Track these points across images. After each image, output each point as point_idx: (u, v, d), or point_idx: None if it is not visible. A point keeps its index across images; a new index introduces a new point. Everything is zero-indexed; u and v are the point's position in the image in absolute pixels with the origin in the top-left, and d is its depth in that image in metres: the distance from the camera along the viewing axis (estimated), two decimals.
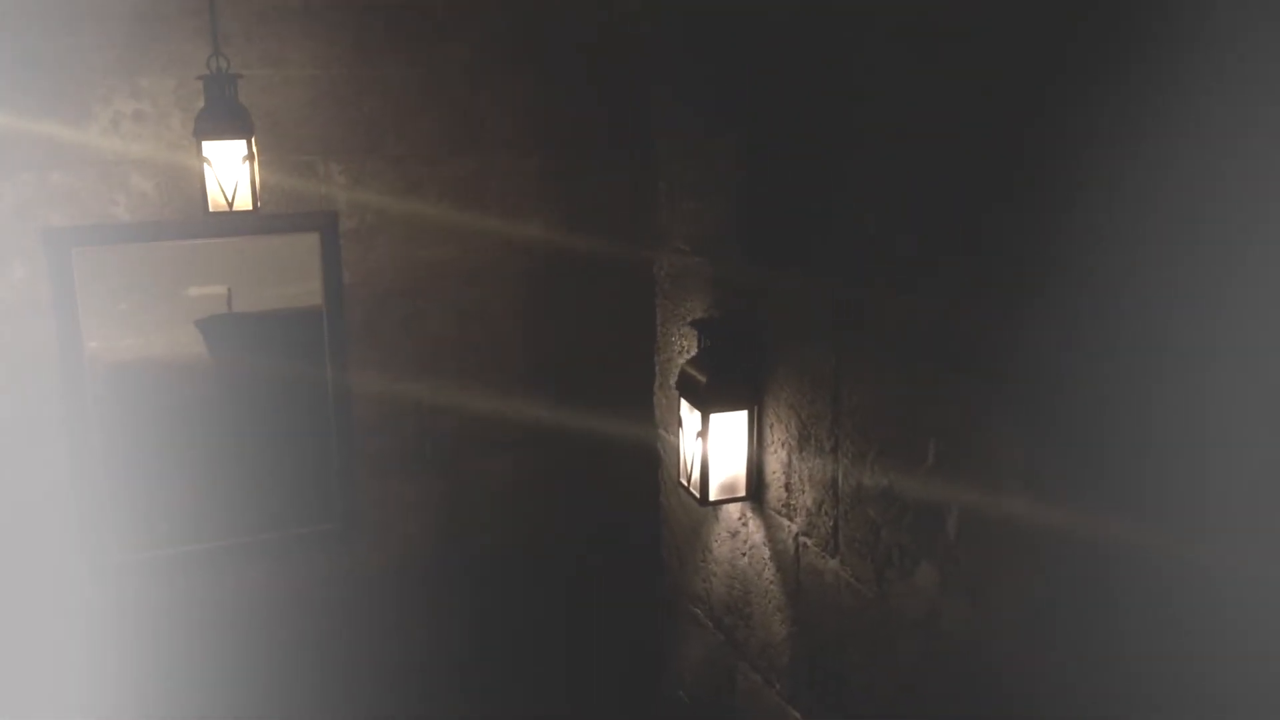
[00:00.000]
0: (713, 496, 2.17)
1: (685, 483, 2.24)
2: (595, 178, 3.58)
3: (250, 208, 2.80)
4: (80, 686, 3.31)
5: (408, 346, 3.49)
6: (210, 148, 2.74)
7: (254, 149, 2.77)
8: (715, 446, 2.13)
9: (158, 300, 3.01)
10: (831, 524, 1.94)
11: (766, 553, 2.17)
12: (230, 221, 3.14)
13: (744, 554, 2.27)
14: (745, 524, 2.24)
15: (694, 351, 2.29)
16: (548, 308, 3.64)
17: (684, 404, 2.19)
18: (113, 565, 3.26)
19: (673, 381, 2.32)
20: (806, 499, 2.01)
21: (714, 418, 2.12)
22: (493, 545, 3.72)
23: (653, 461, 2.72)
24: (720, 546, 2.37)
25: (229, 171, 2.72)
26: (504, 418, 3.64)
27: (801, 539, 2.05)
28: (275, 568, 3.45)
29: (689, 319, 2.35)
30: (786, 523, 2.09)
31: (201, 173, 2.94)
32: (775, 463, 2.10)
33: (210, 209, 2.77)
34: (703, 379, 2.14)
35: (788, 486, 2.08)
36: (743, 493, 2.18)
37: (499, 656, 3.79)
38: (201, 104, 2.84)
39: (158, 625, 3.35)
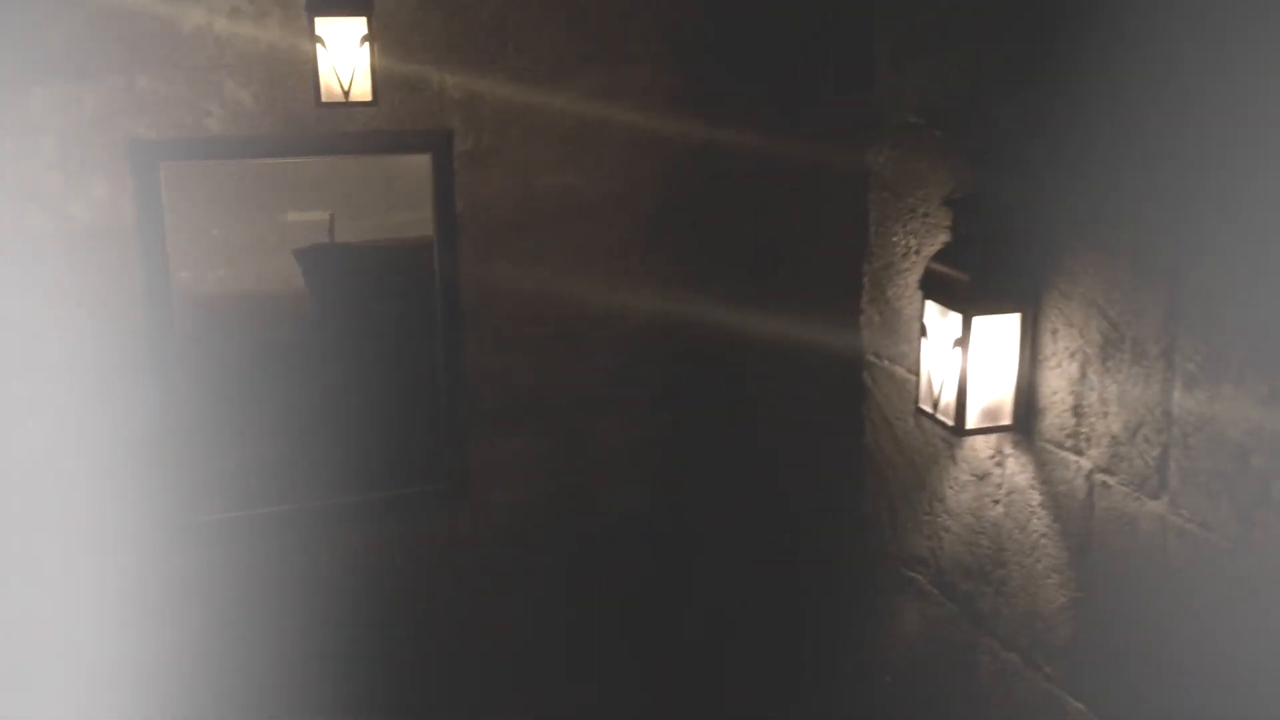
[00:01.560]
0: (971, 424, 1.73)
1: (928, 408, 1.81)
2: (752, 89, 3.15)
3: (368, 99, 2.41)
4: (165, 654, 2.92)
5: (524, 286, 3.09)
6: (324, 26, 2.34)
7: (373, 30, 2.37)
8: (977, 359, 1.69)
9: (252, 226, 2.61)
10: (1156, 455, 1.50)
11: (1036, 498, 1.74)
12: (334, 139, 2.77)
13: (997, 501, 1.83)
14: (1001, 463, 1.81)
15: (927, 250, 1.86)
16: (686, 243, 3.21)
17: (931, 308, 1.76)
18: (199, 525, 2.88)
19: (912, 282, 1.89)
20: (1110, 425, 1.57)
21: (978, 323, 1.68)
22: (621, 510, 3.30)
23: (846, 398, 2.29)
24: (958, 494, 1.93)
25: (345, 55, 2.32)
26: (636, 368, 3.22)
27: (1099, 477, 1.61)
28: (373, 532, 3.05)
29: (926, 209, 1.91)
30: (1073, 458, 1.65)
31: (306, 73, 2.56)
32: (1057, 381, 1.67)
33: (323, 98, 2.39)
34: (963, 275, 1.71)
35: (1077, 410, 1.64)
36: (1007, 420, 1.75)
37: (634, 639, 3.36)
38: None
39: (245, 592, 2.97)
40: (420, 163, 2.96)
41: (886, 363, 2.03)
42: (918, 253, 1.95)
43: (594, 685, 3.39)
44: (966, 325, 1.69)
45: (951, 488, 1.94)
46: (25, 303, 2.66)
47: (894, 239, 2.03)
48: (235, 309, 2.71)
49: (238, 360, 2.79)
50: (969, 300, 1.68)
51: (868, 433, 2.20)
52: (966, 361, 1.69)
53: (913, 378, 1.98)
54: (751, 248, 3.22)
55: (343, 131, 2.86)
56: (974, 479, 1.89)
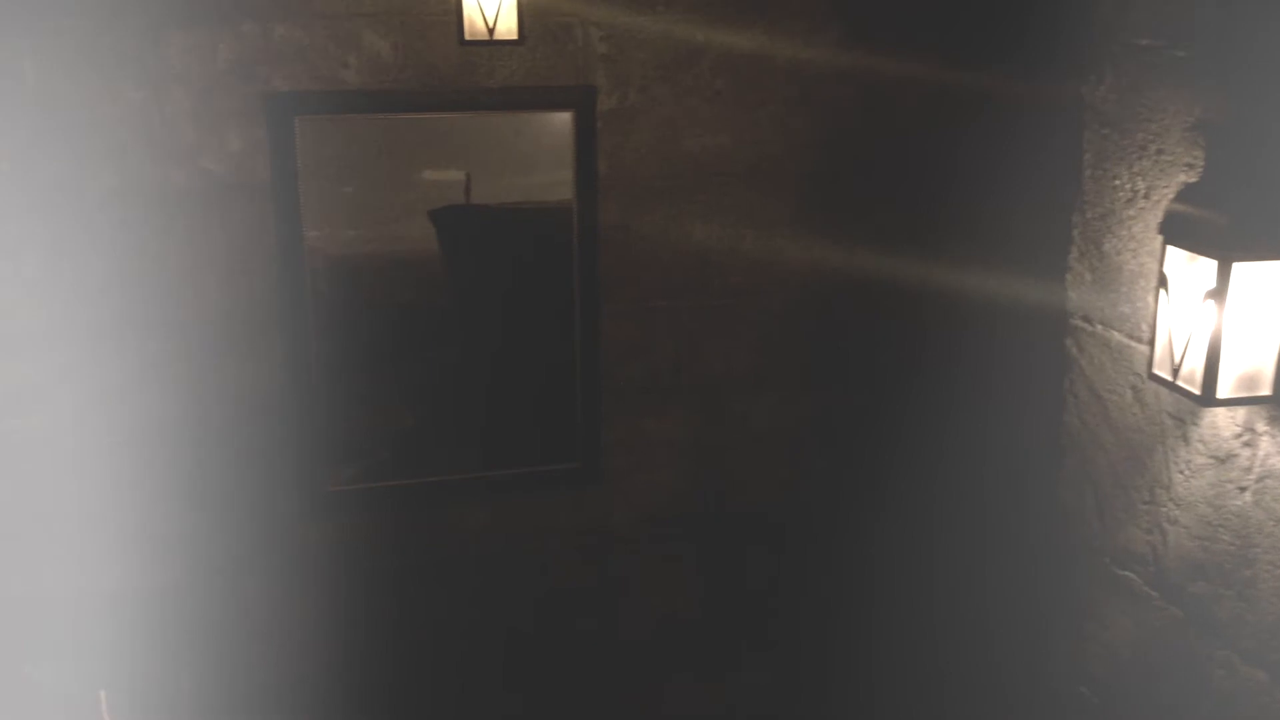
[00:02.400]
0: (1224, 393, 1.44)
1: (1164, 374, 1.52)
2: (927, 26, 2.89)
3: (514, 37, 2.24)
4: (284, 625, 2.81)
5: (667, 255, 2.88)
6: None
7: None
8: (1234, 315, 1.41)
9: (386, 185, 2.46)
10: None
11: None
12: (473, 95, 2.63)
13: (1244, 489, 1.54)
14: (1251, 443, 1.51)
15: (1159, 194, 1.57)
16: (848, 205, 2.96)
17: (1176, 256, 1.48)
18: (325, 496, 2.75)
19: (1136, 232, 1.60)
20: None
21: (1239, 271, 1.39)
22: (769, 497, 3.07)
23: (1042, 370, 2.01)
24: (1190, 480, 1.64)
25: None
26: (789, 343, 2.99)
27: None
28: (500, 509, 2.89)
29: (1160, 144, 1.62)
30: None
31: (446, 25, 2.43)
32: None
33: (466, 36, 2.23)
34: (1219, 215, 1.42)
35: None
36: (1266, 390, 1.45)
37: (773, 638, 3.13)
38: None
39: (368, 566, 2.83)
40: (562, 122, 2.78)
41: (1099, 328, 1.75)
42: (1146, 197, 1.66)
43: (723, 685, 3.16)
44: (1224, 273, 1.40)
45: (1182, 473, 1.65)
46: (157, 259, 2.57)
47: (1115, 182, 1.75)
48: (366, 271, 2.57)
49: (368, 325, 2.65)
50: (1227, 244, 1.40)
51: (1070, 409, 1.92)
52: (1221, 317, 1.41)
53: (1133, 344, 1.70)
54: (926, 207, 2.95)
55: (482, 87, 2.70)
56: (1213, 462, 1.60)
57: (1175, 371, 1.52)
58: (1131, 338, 1.75)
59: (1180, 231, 1.50)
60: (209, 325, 2.64)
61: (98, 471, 2.61)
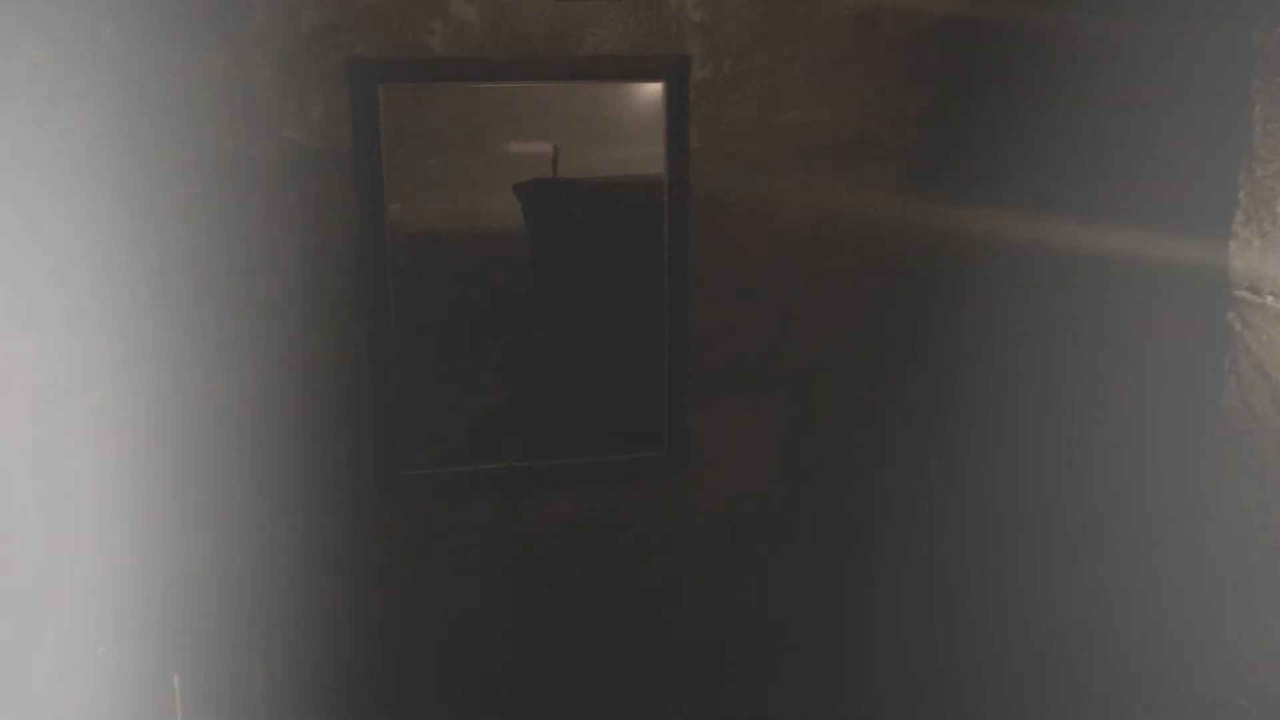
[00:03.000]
0: None
1: None
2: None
3: None
4: (364, 622, 2.72)
5: (759, 236, 2.73)
6: None
7: None
8: None
9: (471, 157, 2.34)
10: None
11: None
12: (561, 63, 2.51)
13: None
14: None
15: None
16: (962, 180, 2.79)
17: None
18: (401, 480, 2.66)
19: None
20: None
21: None
22: (863, 495, 2.92)
23: (1193, 348, 1.83)
24: None
25: None
26: (888, 330, 2.83)
27: None
28: (580, 498, 2.77)
29: None
30: None
31: None
32: None
33: None
34: None
35: None
36: None
37: (863, 650, 2.98)
38: None
39: (444, 555, 2.73)
40: (653, 93, 2.64)
41: (1269, 299, 1.57)
42: None
43: (803, 684, 3.02)
44: None
45: None
46: (236, 233, 2.48)
47: None
48: (449, 247, 2.45)
49: (449, 304, 2.54)
50: None
51: (1231, 392, 1.75)
52: None
53: None
54: (1053, 179, 2.77)
55: (571, 56, 2.58)
56: None
57: None
58: None
59: None
60: (287, 303, 2.54)
61: (171, 451, 2.54)
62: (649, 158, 2.68)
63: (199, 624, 2.62)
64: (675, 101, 2.66)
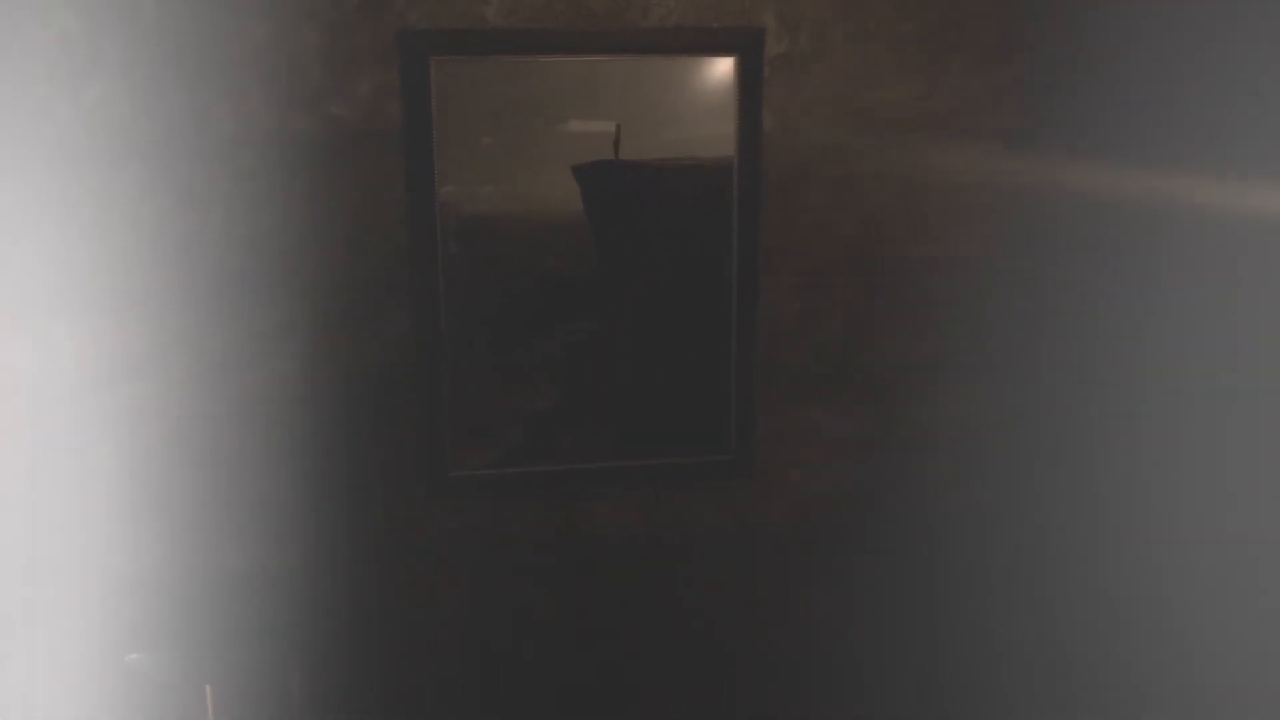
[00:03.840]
0: None
1: None
2: None
3: None
4: (409, 628, 2.55)
5: (837, 222, 2.52)
6: None
7: None
8: None
9: (527, 136, 2.16)
10: None
11: None
12: (626, 36, 2.33)
13: None
14: None
15: None
16: (1054, 173, 2.55)
17: None
18: (448, 481, 2.48)
19: None
20: None
21: None
22: (953, 507, 2.69)
23: None
24: None
25: None
26: (980, 325, 2.60)
27: None
28: (641, 503, 2.57)
29: None
30: None
31: None
32: None
33: None
34: None
35: None
36: None
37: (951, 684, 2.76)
38: None
39: (494, 562, 2.54)
40: (724, 68, 2.45)
41: None
42: None
43: (886, 707, 2.79)
44: None
45: None
46: (279, 214, 2.33)
47: None
48: (503, 232, 2.27)
49: (503, 293, 2.36)
50: None
51: None
52: None
53: None
54: (1170, 145, 2.53)
55: (636, 28, 2.39)
56: None
57: None
58: None
59: None
60: (331, 290, 2.38)
61: (208, 445, 2.39)
62: (718, 139, 2.48)
63: (233, 629, 2.47)
64: (747, 78, 2.46)
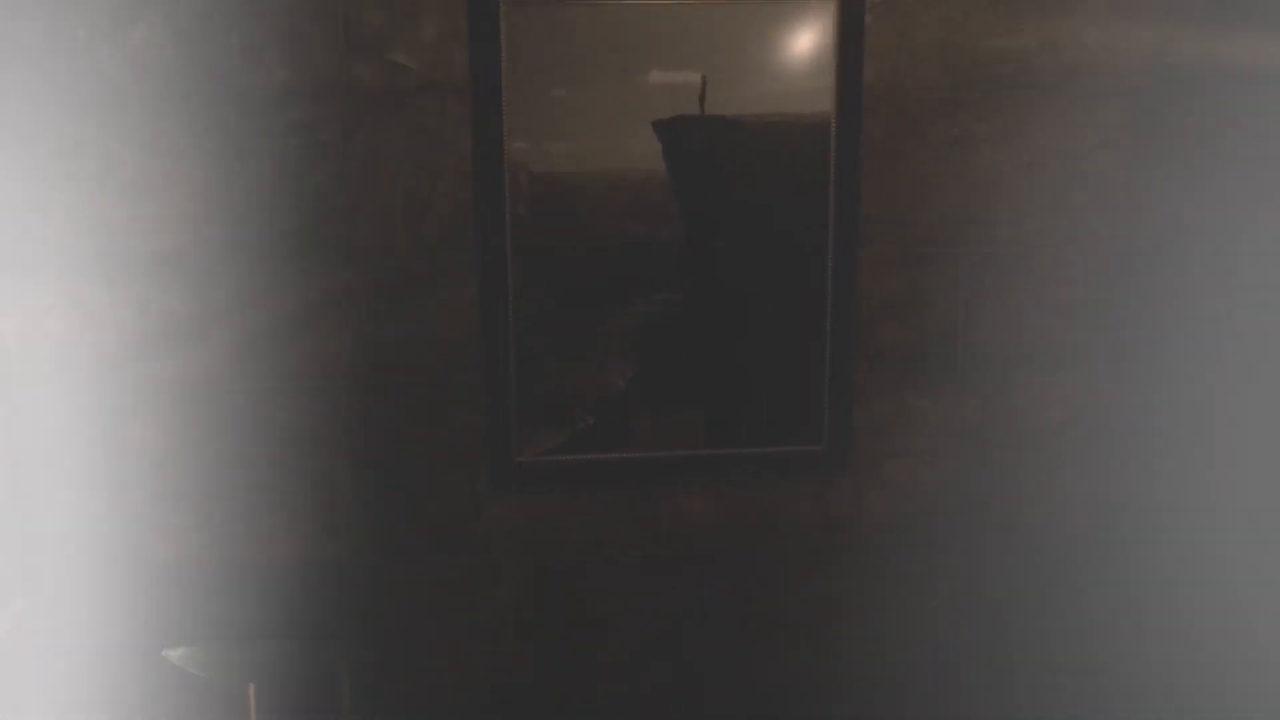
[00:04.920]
0: None
1: None
2: None
3: None
4: (467, 628, 2.33)
5: (945, 188, 2.26)
6: None
7: None
8: None
9: (604, 88, 1.93)
10: None
11: None
12: None
13: None
14: None
15: None
16: (1194, 124, 2.27)
17: None
18: (515, 469, 2.26)
19: None
20: None
21: None
22: (1047, 507, 2.41)
23: None
24: None
25: None
26: (1107, 305, 2.32)
27: None
28: (727, 498, 2.32)
29: None
30: None
31: None
32: None
33: None
34: None
35: None
36: None
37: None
38: None
39: (563, 558, 2.31)
40: (822, 14, 2.20)
41: None
42: None
43: None
44: None
45: None
46: (334, 171, 2.12)
47: None
48: (577, 193, 2.05)
49: (576, 261, 2.13)
50: None
51: None
52: None
53: None
54: None
55: None
56: None
57: None
58: None
59: None
60: (390, 255, 2.17)
61: (252, 424, 2.19)
62: (814, 93, 2.24)
63: (279, 624, 2.27)
64: (848, 25, 2.21)
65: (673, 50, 2.21)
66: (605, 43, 2.18)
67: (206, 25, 2.06)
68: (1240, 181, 2.29)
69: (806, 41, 2.24)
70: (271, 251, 2.16)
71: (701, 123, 2.22)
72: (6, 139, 2.05)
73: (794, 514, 2.37)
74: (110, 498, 2.21)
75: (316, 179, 2.14)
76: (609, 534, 2.34)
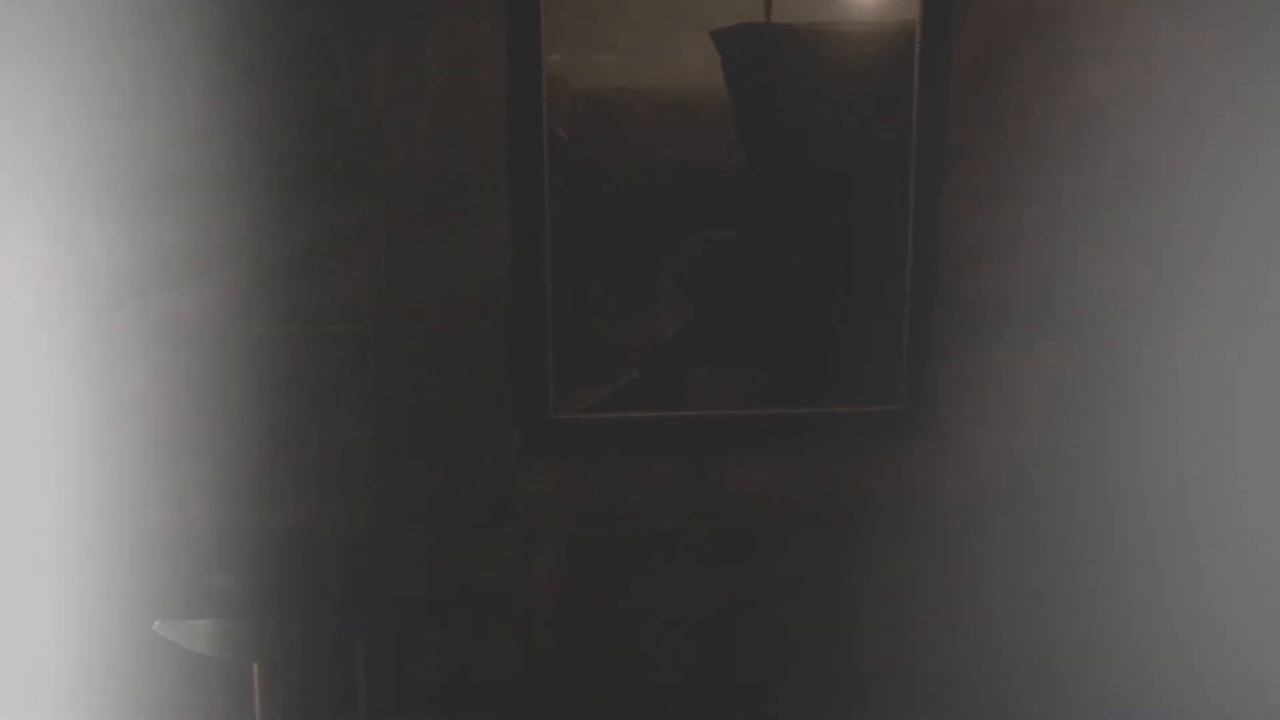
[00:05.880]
0: None
1: None
2: None
3: None
4: (500, 608, 2.08)
5: (1043, 113, 1.97)
6: None
7: None
8: None
9: None
10: None
11: None
12: None
13: None
14: None
15: None
16: None
17: None
18: (552, 428, 2.00)
19: None
20: None
21: None
22: (1156, 481, 2.11)
23: None
24: None
25: None
26: (1219, 258, 2.02)
27: None
28: (789, 463, 2.05)
29: None
30: None
31: None
32: None
33: None
34: None
35: None
36: None
37: None
38: None
39: (601, 528, 2.05)
40: None
41: None
42: None
43: None
44: None
45: None
46: (352, 87, 1.90)
47: None
48: (623, 113, 1.79)
49: (625, 191, 1.87)
50: None
51: None
52: None
53: None
54: None
55: None
56: None
57: None
58: None
59: None
60: (412, 185, 1.92)
61: (258, 374, 1.95)
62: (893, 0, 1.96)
63: (287, 598, 2.02)
64: None
65: None
66: None
67: None
68: None
69: None
70: (281, 179, 1.92)
71: (767, 32, 1.94)
72: None
73: (864, 485, 2.08)
74: (101, 451, 1.98)
75: (331, 99, 1.90)
76: (654, 503, 2.07)
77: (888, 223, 2.02)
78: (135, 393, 1.97)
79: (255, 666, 1.97)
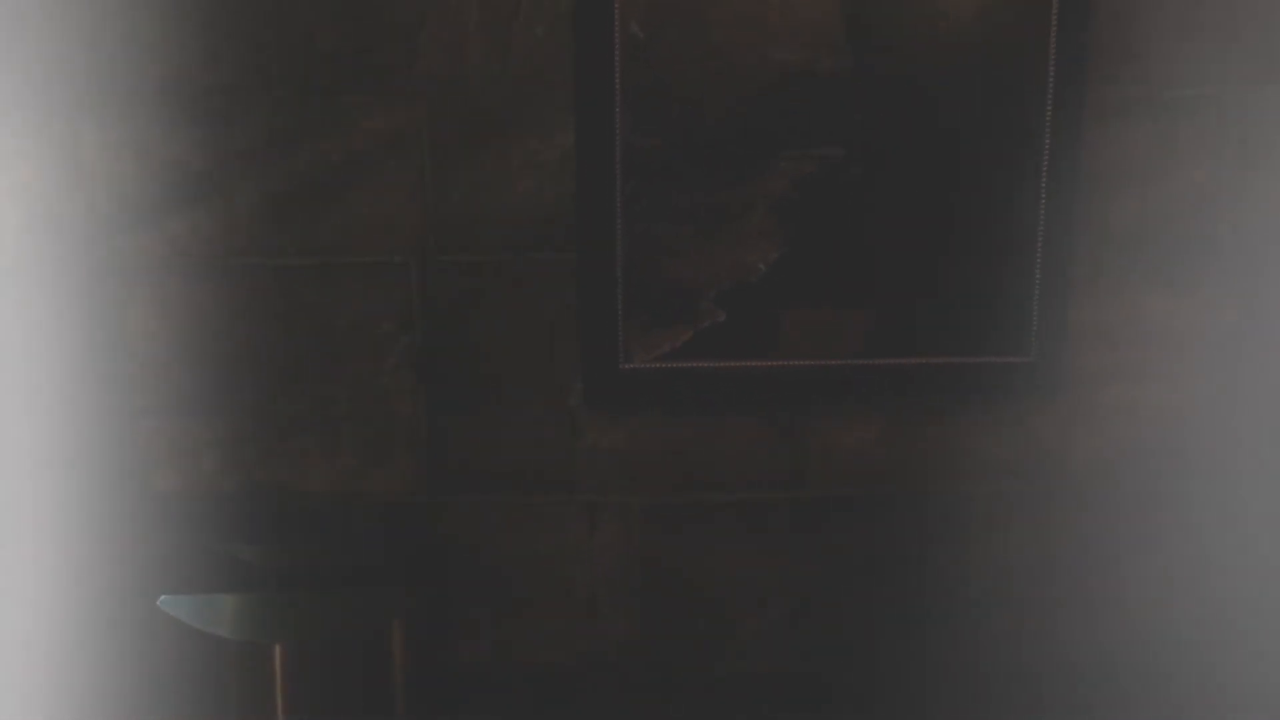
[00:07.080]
0: None
1: None
2: None
3: None
4: (562, 586, 1.80)
5: (1206, 23, 1.62)
6: None
7: None
8: None
9: None
10: None
11: None
12: None
13: None
14: None
15: None
16: None
17: None
18: (621, 379, 1.71)
19: None
20: None
21: None
22: None
23: None
24: None
25: None
26: None
27: None
28: (898, 422, 1.75)
29: None
30: None
31: None
32: None
33: None
34: None
35: None
36: None
37: None
38: None
39: (675, 495, 1.75)
40: None
41: None
42: None
43: None
44: None
45: None
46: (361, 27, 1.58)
47: None
48: (709, 6, 1.46)
49: (708, 99, 1.56)
50: None
51: None
52: None
53: None
54: None
55: None
56: None
57: None
58: None
59: None
60: (458, 89, 1.63)
61: (281, 311, 1.67)
62: None
63: (315, 571, 1.76)
64: None
65: None
66: None
67: None
68: None
69: None
70: (306, 84, 1.63)
71: None
72: None
73: (985, 445, 1.78)
74: (101, 404, 1.71)
75: (348, 40, 1.60)
76: (738, 467, 1.78)
77: (1019, 138, 1.70)
78: (141, 333, 1.70)
79: (278, 649, 1.70)
